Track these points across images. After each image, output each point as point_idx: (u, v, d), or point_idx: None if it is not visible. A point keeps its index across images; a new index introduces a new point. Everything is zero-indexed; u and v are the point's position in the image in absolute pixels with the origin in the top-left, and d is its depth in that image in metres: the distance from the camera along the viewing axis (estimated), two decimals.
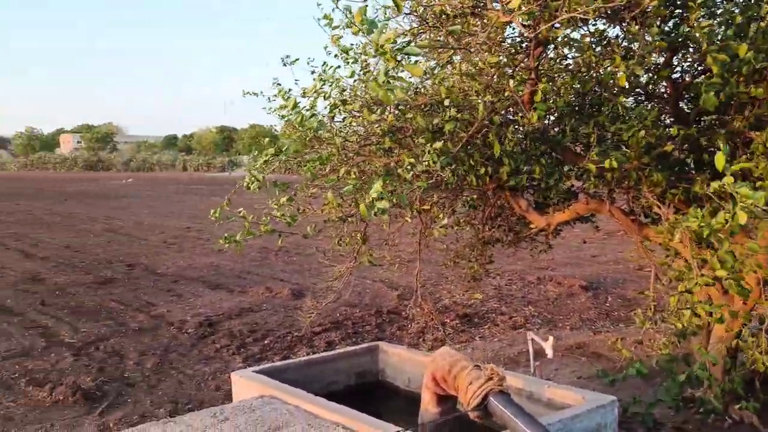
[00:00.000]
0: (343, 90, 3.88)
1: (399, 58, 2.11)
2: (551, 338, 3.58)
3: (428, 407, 2.64)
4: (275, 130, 5.39)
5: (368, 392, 3.53)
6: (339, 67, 3.74)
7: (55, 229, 16.02)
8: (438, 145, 3.19)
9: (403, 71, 2.72)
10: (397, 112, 3.73)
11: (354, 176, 3.57)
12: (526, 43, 3.67)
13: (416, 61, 2.28)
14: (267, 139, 4.47)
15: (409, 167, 3.09)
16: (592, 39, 3.79)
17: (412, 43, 2.64)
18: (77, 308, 7.47)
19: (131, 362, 5.54)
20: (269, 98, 4.53)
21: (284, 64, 4.53)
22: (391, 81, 2.13)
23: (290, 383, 3.02)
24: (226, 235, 4.97)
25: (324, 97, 3.91)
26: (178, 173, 74.96)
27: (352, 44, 3.93)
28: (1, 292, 8.32)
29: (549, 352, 3.59)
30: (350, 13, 3.57)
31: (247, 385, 3.02)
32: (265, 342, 6.08)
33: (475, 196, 4.85)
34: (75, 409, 4.51)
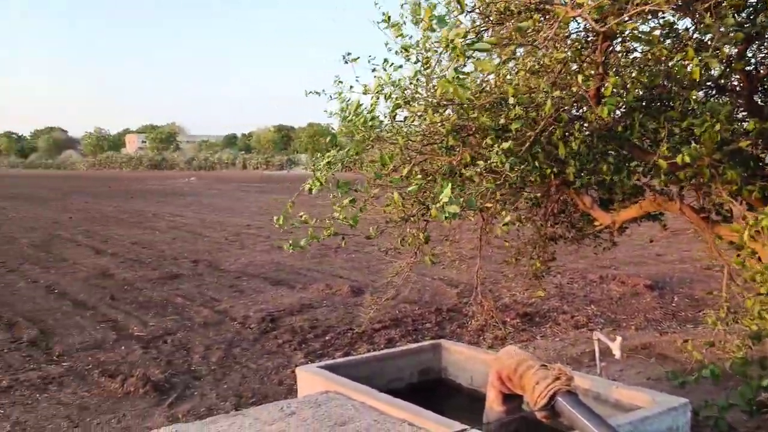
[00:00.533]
0: (405, 89, 3.88)
1: (468, 54, 2.10)
2: (619, 338, 3.49)
3: (493, 406, 2.62)
4: (332, 128, 5.45)
5: (431, 390, 3.53)
6: (401, 66, 3.75)
7: (124, 226, 16.60)
8: (506, 145, 3.17)
9: (466, 67, 2.71)
10: (460, 111, 3.72)
11: (417, 176, 3.58)
12: (592, 38, 3.60)
13: (486, 58, 2.27)
14: (327, 139, 4.53)
15: (473, 167, 3.08)
16: (662, 31, 3.69)
17: (480, 40, 2.62)
18: (145, 303, 7.72)
19: (197, 356, 5.69)
20: (330, 96, 4.57)
21: (345, 62, 4.56)
22: (460, 77, 2.13)
23: (353, 379, 3.04)
24: (290, 241, 5.08)
25: (386, 97, 3.93)
26: (237, 171, 76.53)
27: (411, 39, 3.93)
28: (74, 287, 8.67)
29: (617, 353, 3.51)
30: (416, 8, 3.57)
31: (311, 380, 3.07)
32: (326, 338, 6.15)
33: (537, 193, 4.79)
34: (145, 400, 4.66)
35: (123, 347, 5.94)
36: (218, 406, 4.54)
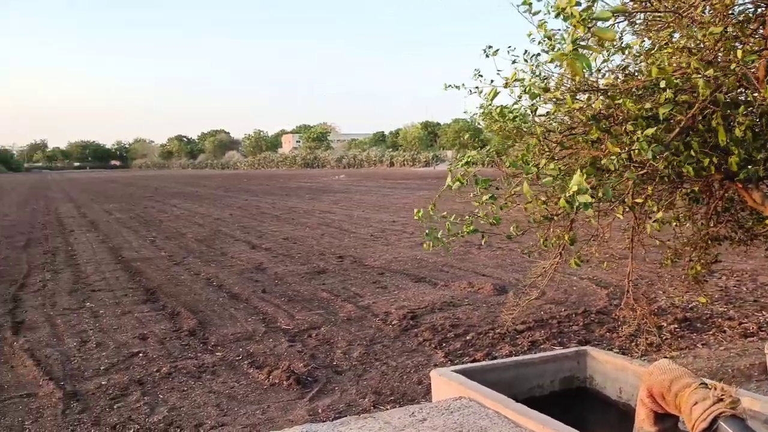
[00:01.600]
0: (545, 78, 3.66)
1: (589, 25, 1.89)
2: None
3: (643, 426, 2.37)
4: (479, 123, 5.29)
5: (573, 400, 3.30)
6: (539, 54, 3.54)
7: (278, 222, 17.46)
8: (650, 131, 2.86)
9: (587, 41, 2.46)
10: (605, 98, 3.44)
11: (554, 168, 3.35)
12: (761, 9, 3.18)
13: (608, 26, 2.03)
14: (467, 135, 4.39)
15: (614, 157, 2.81)
16: None
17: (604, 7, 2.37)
18: (293, 297, 8.01)
19: (339, 351, 5.79)
20: (470, 90, 4.44)
21: (486, 56, 4.41)
22: (579, 50, 1.91)
23: (490, 385, 2.90)
24: (426, 232, 5.00)
25: (525, 89, 3.74)
26: (385, 169, 78.09)
27: (554, 29, 3.70)
28: (231, 280, 9.20)
29: None
30: None
31: (446, 384, 2.96)
32: (467, 338, 6.02)
33: (696, 189, 4.35)
34: (288, 392, 4.80)
35: (271, 339, 6.18)
36: (357, 403, 4.57)
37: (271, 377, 5.07)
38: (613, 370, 3.28)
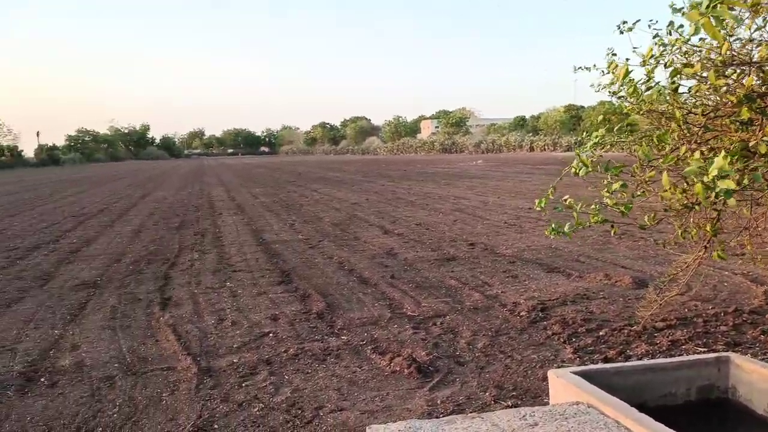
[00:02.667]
0: (688, 53, 3.29)
1: None
2: None
3: None
4: (625, 105, 4.93)
5: (712, 413, 2.97)
6: (681, 26, 3.18)
7: (412, 207, 17.55)
8: None
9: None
10: (760, 72, 3.03)
11: (698, 156, 3.00)
12: None
13: None
14: (600, 117, 4.09)
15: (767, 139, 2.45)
16: None
17: None
18: (421, 283, 7.98)
19: (463, 341, 5.67)
20: (602, 71, 4.13)
21: (621, 32, 4.07)
22: (718, 8, 1.64)
23: (614, 390, 2.67)
24: (552, 225, 4.75)
25: (665, 65, 3.39)
26: (524, 154, 76.32)
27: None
28: (362, 264, 9.34)
29: None
30: None
31: (564, 386, 2.77)
32: (600, 333, 5.68)
33: None
34: (409, 381, 4.77)
35: (396, 326, 6.18)
36: (477, 396, 4.44)
37: (392, 364, 5.06)
38: (761, 381, 2.92)
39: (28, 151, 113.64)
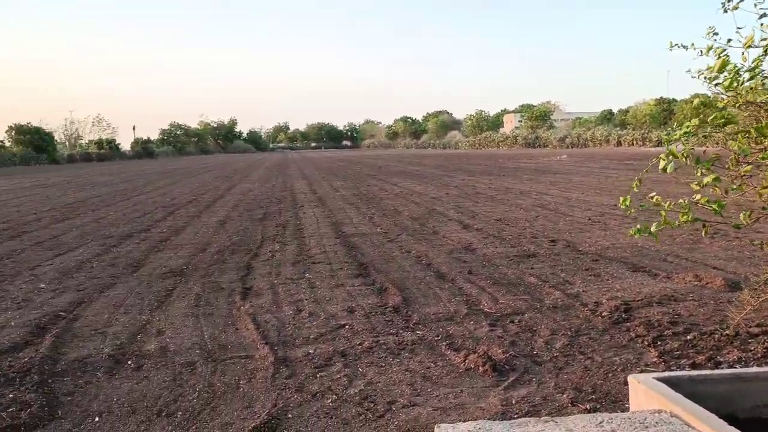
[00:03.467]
0: None
1: None
2: None
3: None
4: (722, 97, 4.66)
5: None
6: None
7: (492, 202, 17.31)
8: None
9: None
10: None
11: None
12: None
13: None
14: (695, 101, 3.87)
15: None
16: None
17: None
18: (499, 279, 7.84)
19: (541, 340, 5.52)
20: (700, 51, 3.88)
21: (724, 11, 3.82)
22: None
23: (700, 399, 2.51)
24: (638, 226, 4.53)
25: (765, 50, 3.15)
26: (611, 149, 73.93)
27: None
28: (439, 259, 9.28)
29: None
30: None
31: (645, 393, 2.63)
32: (687, 337, 5.40)
33: None
34: (483, 379, 4.68)
35: (472, 322, 6.09)
36: (554, 398, 4.30)
37: (467, 361, 4.99)
38: None
39: (125, 144, 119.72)
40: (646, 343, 5.30)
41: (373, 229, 12.75)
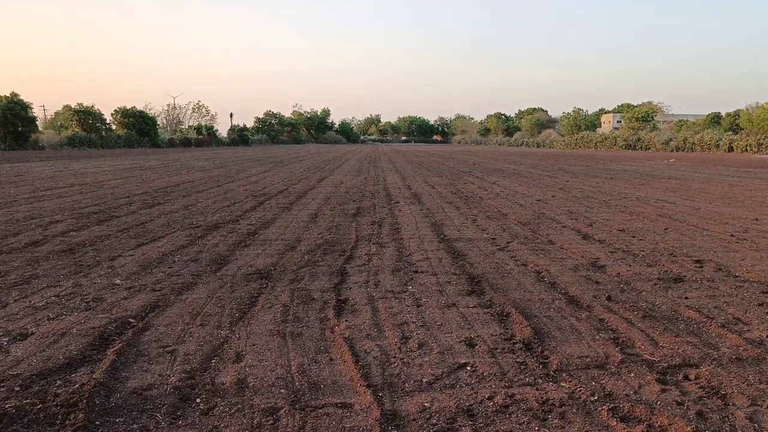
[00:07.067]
0: None
1: None
2: None
3: None
4: None
5: None
6: None
7: (606, 208, 15.54)
8: None
9: None
10: None
11: None
12: None
13: None
14: None
15: None
16: None
17: None
18: (648, 311, 6.32)
19: (741, 412, 4.03)
20: None
21: None
22: None
23: None
24: None
25: None
26: (722, 154, 68.97)
27: None
28: (564, 277, 7.83)
29: None
30: None
31: None
32: None
33: None
34: None
35: (632, 374, 4.66)
36: None
37: None
38: None
39: (222, 131, 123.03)
40: None
41: (478, 234, 11.37)
